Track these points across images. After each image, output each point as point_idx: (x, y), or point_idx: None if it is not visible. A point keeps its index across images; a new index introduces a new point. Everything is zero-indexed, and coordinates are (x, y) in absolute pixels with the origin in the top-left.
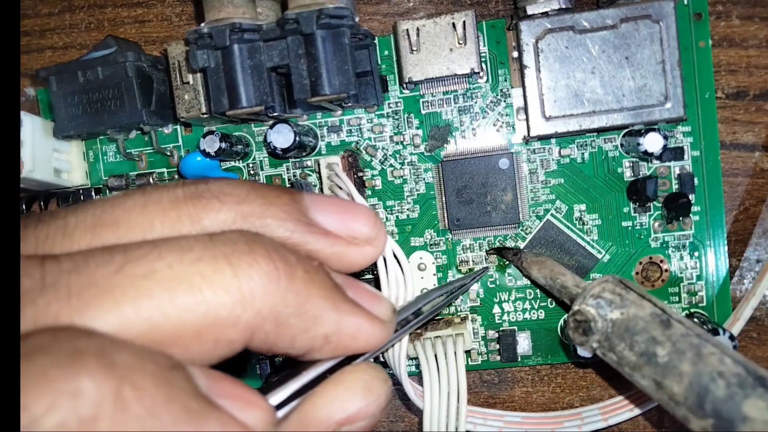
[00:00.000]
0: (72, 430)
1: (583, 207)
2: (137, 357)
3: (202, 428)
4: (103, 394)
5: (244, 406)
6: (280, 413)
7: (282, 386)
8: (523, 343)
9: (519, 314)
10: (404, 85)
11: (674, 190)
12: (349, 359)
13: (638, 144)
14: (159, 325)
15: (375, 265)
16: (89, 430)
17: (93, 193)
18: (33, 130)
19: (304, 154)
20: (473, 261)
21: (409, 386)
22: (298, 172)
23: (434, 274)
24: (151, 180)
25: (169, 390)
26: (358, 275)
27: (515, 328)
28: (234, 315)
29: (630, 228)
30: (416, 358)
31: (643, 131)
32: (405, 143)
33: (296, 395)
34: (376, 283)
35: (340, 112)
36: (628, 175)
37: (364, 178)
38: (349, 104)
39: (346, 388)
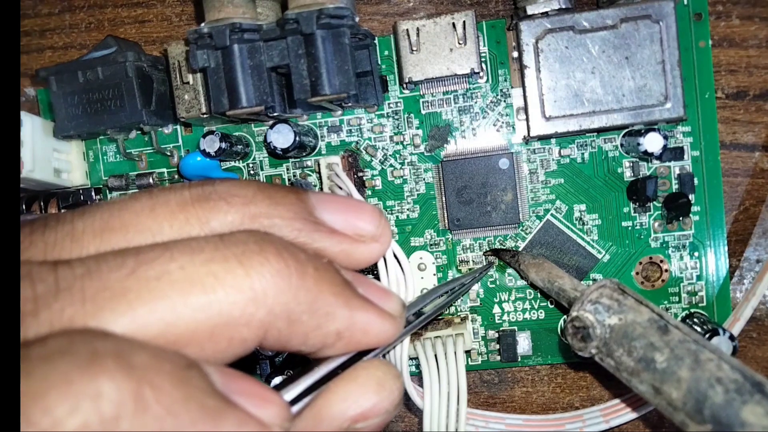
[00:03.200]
0: (94, 431)
1: (583, 207)
2: (154, 357)
3: (219, 426)
4: (123, 394)
5: (260, 403)
6: (294, 409)
7: (295, 383)
8: (523, 343)
9: (519, 314)
10: (404, 85)
11: (674, 190)
12: (359, 356)
13: (638, 144)
14: (173, 326)
15: (375, 265)
16: (111, 430)
17: (93, 193)
18: (33, 130)
19: (304, 154)
20: (473, 261)
21: (410, 386)
22: (298, 172)
23: (434, 274)
24: (151, 180)
25: (186, 389)
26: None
27: (515, 328)
28: (247, 314)
29: (630, 228)
30: (416, 358)
31: (643, 131)
32: (405, 143)
33: (308, 392)
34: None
35: (340, 112)
36: (628, 175)
37: (364, 178)
38: (349, 104)
39: (360, 385)
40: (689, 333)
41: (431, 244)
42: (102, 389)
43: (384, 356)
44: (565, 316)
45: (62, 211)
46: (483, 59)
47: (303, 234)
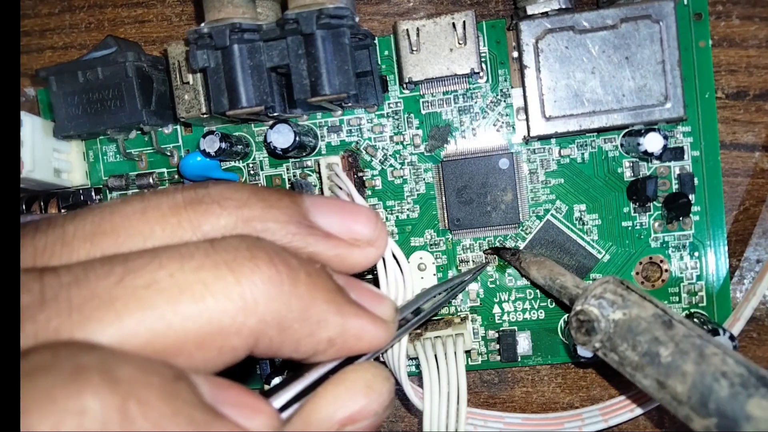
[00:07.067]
0: None
1: (583, 207)
2: (141, 370)
3: None
4: (108, 411)
5: (249, 414)
6: (284, 415)
7: (285, 388)
8: (523, 343)
9: (519, 314)
10: (404, 85)
11: (674, 190)
12: (350, 359)
13: (638, 144)
14: (162, 336)
15: (374, 266)
16: None
17: (93, 194)
18: (33, 130)
19: (304, 154)
20: (473, 261)
21: (409, 387)
22: (298, 172)
23: (434, 274)
24: (151, 180)
25: (174, 402)
26: (357, 276)
27: (515, 328)
28: (237, 322)
29: (630, 228)
30: (416, 358)
31: (643, 131)
32: (405, 143)
33: (299, 397)
34: (375, 283)
35: (340, 112)
36: (628, 175)
37: (364, 178)
38: (349, 104)
39: (348, 388)
40: (693, 328)
41: (431, 244)
42: (86, 405)
43: (382, 355)
44: (566, 316)
45: (62, 211)
46: (483, 59)
47: (297, 238)
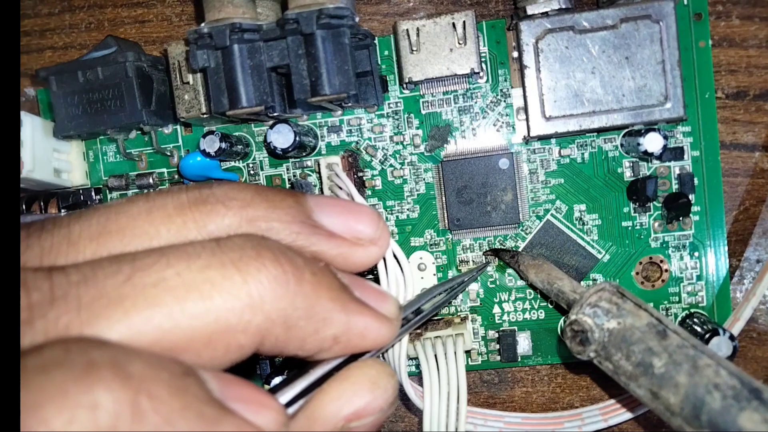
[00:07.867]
0: None
1: (583, 207)
2: (151, 366)
3: None
4: (120, 405)
5: (256, 409)
6: (290, 411)
7: (291, 385)
8: (523, 343)
9: (519, 314)
10: (404, 85)
11: (674, 190)
12: (354, 356)
13: (638, 144)
14: (170, 333)
15: (375, 265)
16: None
17: (93, 194)
18: (33, 130)
19: (304, 154)
20: (473, 261)
21: (409, 386)
22: (298, 172)
23: (434, 274)
24: (151, 180)
25: (183, 398)
26: (359, 275)
27: (515, 328)
28: (244, 320)
29: (630, 228)
30: (416, 358)
31: (643, 131)
32: (405, 143)
33: (304, 393)
34: (376, 283)
35: (340, 112)
36: (628, 175)
37: (364, 178)
38: (349, 104)
39: (353, 384)
40: (688, 338)
41: (431, 244)
42: (99, 400)
43: (382, 355)
44: (564, 317)
45: (62, 211)
46: (483, 59)
47: (301, 237)
